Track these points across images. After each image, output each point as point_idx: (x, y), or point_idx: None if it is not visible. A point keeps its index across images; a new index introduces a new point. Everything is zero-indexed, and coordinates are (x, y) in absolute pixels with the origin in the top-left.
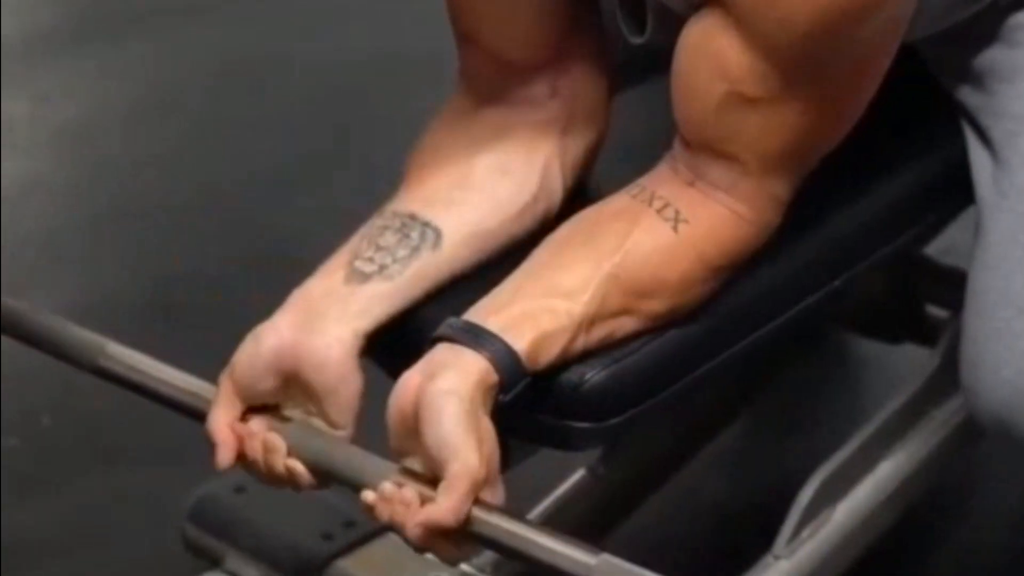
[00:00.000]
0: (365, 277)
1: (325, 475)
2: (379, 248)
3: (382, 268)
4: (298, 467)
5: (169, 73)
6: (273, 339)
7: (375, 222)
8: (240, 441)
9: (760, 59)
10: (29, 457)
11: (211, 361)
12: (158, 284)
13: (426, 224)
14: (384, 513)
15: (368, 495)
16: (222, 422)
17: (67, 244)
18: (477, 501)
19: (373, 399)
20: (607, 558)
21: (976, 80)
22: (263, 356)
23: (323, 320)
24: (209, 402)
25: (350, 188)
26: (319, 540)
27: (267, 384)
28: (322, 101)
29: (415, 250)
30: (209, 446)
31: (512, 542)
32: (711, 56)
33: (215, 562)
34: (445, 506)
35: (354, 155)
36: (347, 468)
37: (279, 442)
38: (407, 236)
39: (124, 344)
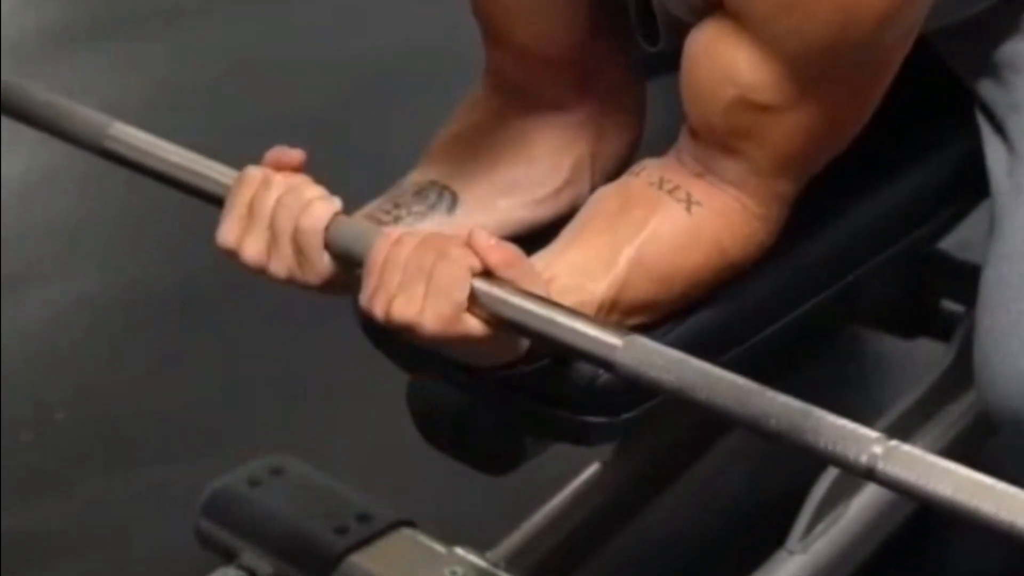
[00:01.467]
0: (381, 223)
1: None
2: (396, 205)
3: (397, 219)
4: (316, 218)
5: (180, 72)
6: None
7: (394, 190)
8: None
9: (771, 67)
10: (43, 453)
11: (224, 353)
12: (171, 279)
13: (444, 188)
14: (404, 250)
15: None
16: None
17: (81, 238)
18: (497, 278)
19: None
20: (634, 338)
21: (993, 73)
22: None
23: None
24: (224, 186)
25: (357, 186)
26: (333, 534)
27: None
28: (331, 100)
29: (431, 208)
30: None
31: (530, 321)
32: (719, 63)
33: (229, 556)
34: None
35: (360, 153)
36: (362, 240)
37: (309, 182)
38: (425, 197)
39: (131, 125)
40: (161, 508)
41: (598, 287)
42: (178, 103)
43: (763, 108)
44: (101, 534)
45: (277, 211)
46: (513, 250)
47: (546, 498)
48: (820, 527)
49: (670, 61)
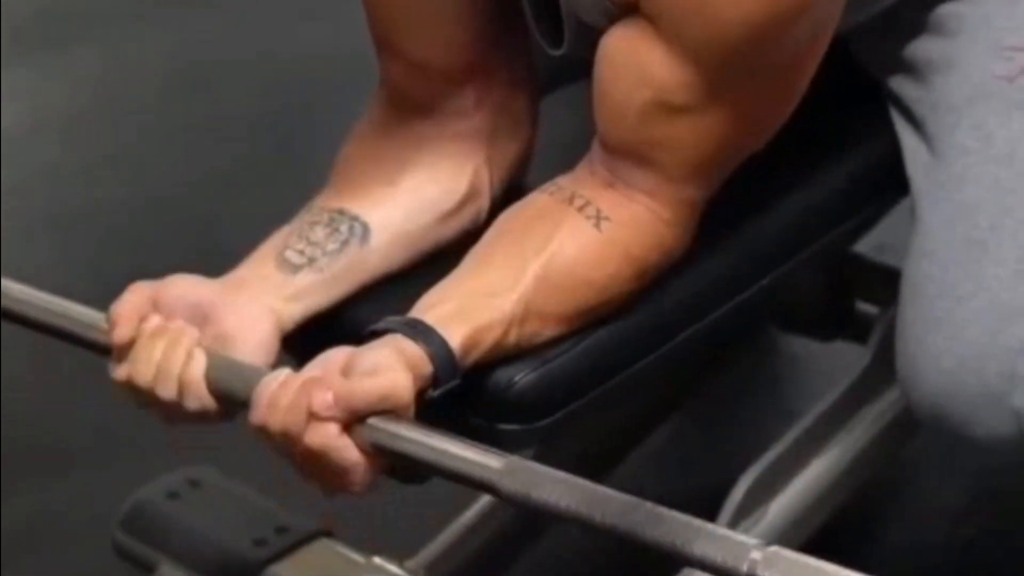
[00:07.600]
0: (295, 268)
1: (221, 389)
2: (309, 242)
3: (312, 260)
4: (197, 368)
5: (112, 79)
6: (208, 289)
7: (304, 217)
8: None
9: (685, 68)
10: None
11: None
12: (101, 289)
13: (355, 219)
14: (276, 417)
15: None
16: (130, 304)
17: (6, 250)
18: (382, 415)
19: None
20: (515, 460)
21: (911, 71)
22: (195, 292)
23: (256, 292)
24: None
25: (296, 191)
26: (252, 546)
27: (189, 308)
28: (266, 105)
29: (344, 244)
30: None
31: (414, 450)
32: (634, 65)
33: (148, 569)
34: (337, 383)
35: (300, 158)
36: (244, 379)
37: (189, 332)
38: (336, 230)
39: (20, 281)
40: (84, 519)
41: (505, 304)
42: (112, 111)
43: (677, 110)
44: (23, 546)
45: (156, 384)
46: (377, 385)
47: (464, 507)
48: (740, 529)
49: (571, 71)
